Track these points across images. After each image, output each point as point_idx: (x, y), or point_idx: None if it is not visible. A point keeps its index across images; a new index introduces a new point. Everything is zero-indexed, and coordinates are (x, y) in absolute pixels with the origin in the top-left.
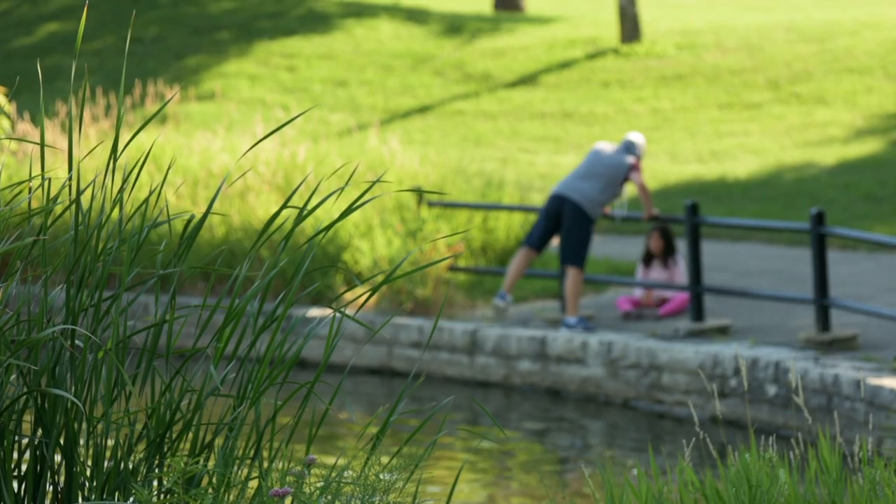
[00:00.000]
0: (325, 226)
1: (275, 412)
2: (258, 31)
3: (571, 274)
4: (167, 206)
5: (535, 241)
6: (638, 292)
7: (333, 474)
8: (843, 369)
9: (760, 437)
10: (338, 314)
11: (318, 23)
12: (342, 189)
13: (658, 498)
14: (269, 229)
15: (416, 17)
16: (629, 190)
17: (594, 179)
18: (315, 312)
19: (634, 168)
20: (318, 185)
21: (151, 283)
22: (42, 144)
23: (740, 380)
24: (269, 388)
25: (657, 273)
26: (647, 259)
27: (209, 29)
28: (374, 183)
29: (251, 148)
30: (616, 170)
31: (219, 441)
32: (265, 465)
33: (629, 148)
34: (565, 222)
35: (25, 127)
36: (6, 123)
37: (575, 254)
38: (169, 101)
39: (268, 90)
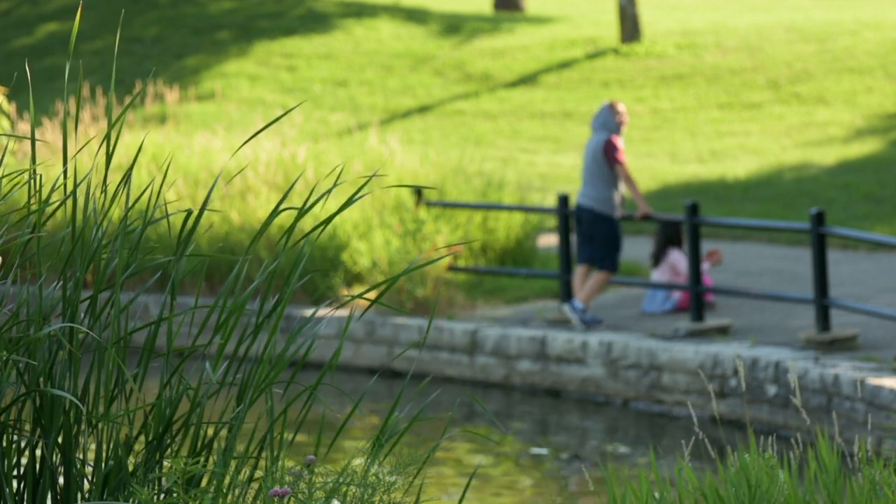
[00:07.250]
0: (322, 223)
1: (269, 410)
2: (258, 31)
3: (602, 274)
4: (165, 203)
5: (587, 257)
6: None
7: (332, 476)
8: (843, 369)
9: (760, 437)
10: (336, 314)
11: (317, 23)
12: (333, 188)
13: (658, 498)
14: (269, 229)
15: (416, 17)
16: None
17: (592, 173)
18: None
19: (614, 148)
20: (314, 182)
21: (147, 268)
22: (32, 139)
23: (740, 380)
24: (267, 387)
25: (660, 273)
26: (657, 257)
27: (209, 29)
28: (370, 177)
29: (246, 142)
30: (597, 152)
31: (219, 438)
32: (266, 465)
33: (607, 121)
34: (589, 229)
35: (25, 127)
36: (6, 123)
37: (603, 257)
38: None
39: (268, 90)
